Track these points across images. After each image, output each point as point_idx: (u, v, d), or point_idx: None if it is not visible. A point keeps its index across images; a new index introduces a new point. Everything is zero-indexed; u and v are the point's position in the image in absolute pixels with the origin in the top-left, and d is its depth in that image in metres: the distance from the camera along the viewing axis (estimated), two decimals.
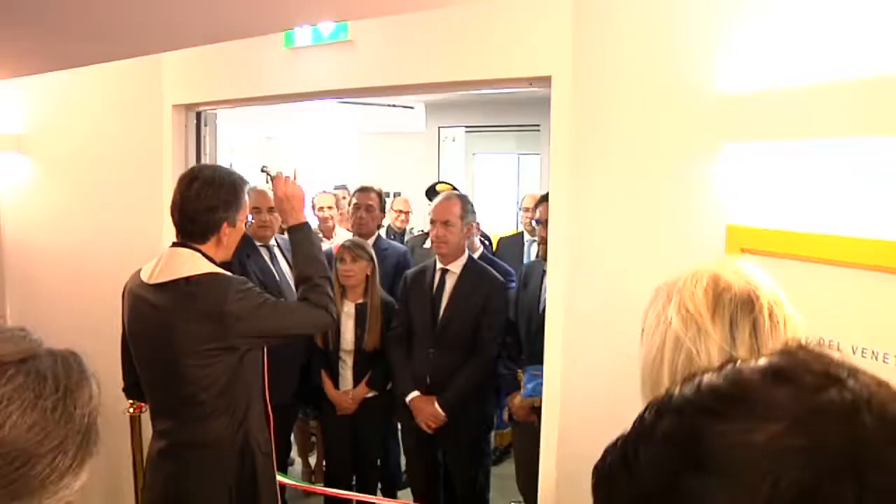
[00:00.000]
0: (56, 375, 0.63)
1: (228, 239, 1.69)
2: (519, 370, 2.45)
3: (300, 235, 1.79)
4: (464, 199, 2.56)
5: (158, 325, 1.62)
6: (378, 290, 2.74)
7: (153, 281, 1.64)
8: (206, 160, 2.64)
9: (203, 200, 1.63)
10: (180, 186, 1.66)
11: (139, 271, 1.71)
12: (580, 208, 1.78)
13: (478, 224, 3.13)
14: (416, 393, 2.51)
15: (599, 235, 1.74)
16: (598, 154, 1.73)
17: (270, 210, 2.72)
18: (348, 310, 2.72)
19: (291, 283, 2.72)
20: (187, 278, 1.60)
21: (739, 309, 0.81)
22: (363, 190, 3.22)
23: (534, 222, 2.69)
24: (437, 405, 2.43)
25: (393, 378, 2.63)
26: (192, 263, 1.63)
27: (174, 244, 1.68)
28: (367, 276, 2.72)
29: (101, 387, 0.68)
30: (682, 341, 0.82)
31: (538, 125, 5.50)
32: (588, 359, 1.79)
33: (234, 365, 1.63)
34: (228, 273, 1.68)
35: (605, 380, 1.71)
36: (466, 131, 6.55)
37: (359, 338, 2.71)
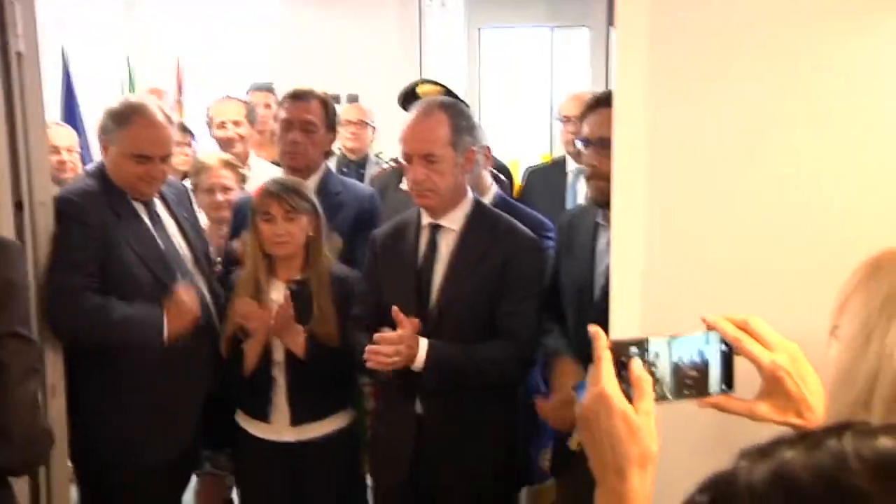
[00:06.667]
0: None
1: None
2: None
3: None
4: (454, 111, 2.57)
5: None
6: (326, 261, 2.81)
7: None
8: (23, 47, 2.59)
9: None
10: None
11: None
12: (670, 117, 1.78)
13: (486, 148, 3.13)
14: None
15: (709, 163, 1.78)
16: (704, 18, 1.75)
17: (165, 158, 2.79)
18: (278, 295, 2.77)
19: (184, 252, 2.85)
20: None
21: None
22: (297, 97, 3.18)
23: (579, 143, 2.65)
24: (421, 345, 2.44)
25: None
26: None
27: None
28: (307, 237, 2.77)
29: None
30: None
31: None
32: None
33: None
34: None
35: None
36: None
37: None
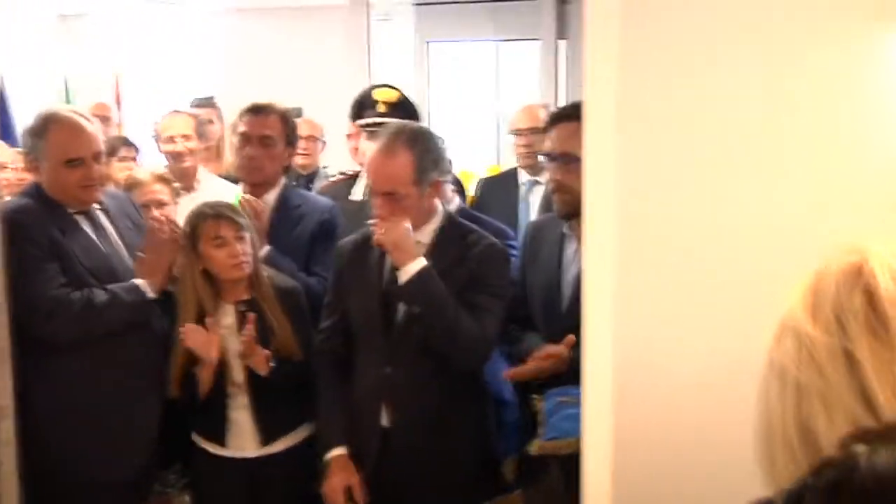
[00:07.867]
0: None
1: None
2: (535, 396, 2.45)
3: None
4: (421, 148, 2.47)
5: None
6: (265, 273, 2.80)
7: None
8: None
9: None
10: None
11: None
12: (640, 130, 1.79)
13: (450, 175, 3.15)
14: (340, 451, 2.53)
15: (680, 173, 1.78)
16: (675, 30, 1.74)
17: (97, 157, 2.72)
18: (228, 319, 2.75)
19: (126, 256, 2.80)
20: None
21: (841, 286, 0.88)
22: (256, 111, 3.13)
23: (541, 157, 2.69)
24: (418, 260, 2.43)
25: (317, 421, 2.68)
26: None
27: None
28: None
29: None
30: (787, 371, 0.87)
31: None
32: (659, 379, 1.84)
33: None
34: None
35: (693, 414, 1.79)
36: (415, 4, 6.59)
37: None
